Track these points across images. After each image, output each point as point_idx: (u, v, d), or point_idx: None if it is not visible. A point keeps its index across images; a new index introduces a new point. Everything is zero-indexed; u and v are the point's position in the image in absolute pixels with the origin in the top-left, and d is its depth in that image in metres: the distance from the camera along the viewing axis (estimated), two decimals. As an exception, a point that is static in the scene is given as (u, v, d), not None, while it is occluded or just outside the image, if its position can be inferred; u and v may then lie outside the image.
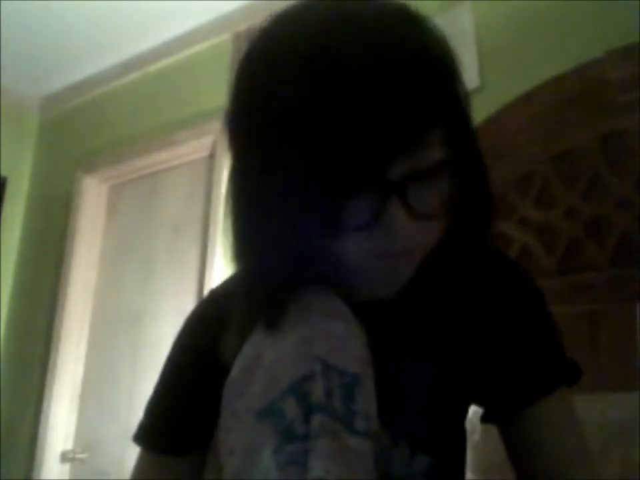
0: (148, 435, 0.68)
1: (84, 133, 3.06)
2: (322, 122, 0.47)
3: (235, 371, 0.53)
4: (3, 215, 3.06)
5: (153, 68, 2.83)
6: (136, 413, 0.71)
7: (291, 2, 0.54)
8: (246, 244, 0.56)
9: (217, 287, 0.73)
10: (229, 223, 0.56)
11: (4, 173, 3.09)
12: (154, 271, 2.66)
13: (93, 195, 2.96)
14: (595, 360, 1.41)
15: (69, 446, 2.72)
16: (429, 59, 0.50)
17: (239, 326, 0.56)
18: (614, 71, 1.47)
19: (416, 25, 0.52)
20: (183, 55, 2.71)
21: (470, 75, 1.78)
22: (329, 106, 0.47)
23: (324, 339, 0.50)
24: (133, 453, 0.70)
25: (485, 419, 0.67)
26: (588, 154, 1.54)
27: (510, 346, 0.63)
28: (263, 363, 0.51)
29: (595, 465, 0.62)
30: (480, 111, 1.72)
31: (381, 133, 0.47)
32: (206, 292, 0.79)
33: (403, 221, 0.50)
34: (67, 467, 2.71)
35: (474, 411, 0.85)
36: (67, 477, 2.70)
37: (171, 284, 2.56)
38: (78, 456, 2.67)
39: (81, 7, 2.49)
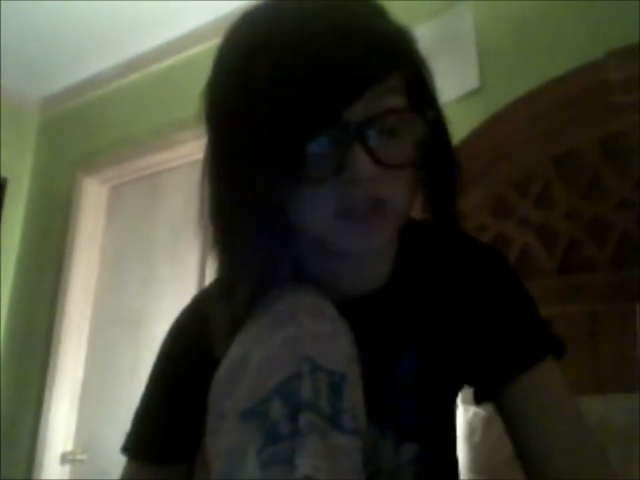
0: (134, 444, 0.68)
1: (84, 133, 3.06)
2: (281, 72, 0.50)
3: (222, 371, 0.53)
4: (3, 215, 3.06)
5: (153, 68, 2.83)
6: (131, 421, 0.70)
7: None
8: (220, 223, 0.57)
9: (199, 292, 0.73)
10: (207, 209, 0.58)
11: (4, 174, 3.09)
12: (154, 271, 2.66)
13: (93, 196, 2.96)
14: (594, 360, 1.41)
15: (69, 447, 2.72)
16: (383, 21, 0.55)
17: (223, 327, 0.56)
18: (614, 72, 1.47)
19: (373, 7, 0.56)
20: (184, 56, 2.71)
21: (470, 76, 1.78)
22: (287, 58, 0.50)
23: (311, 339, 0.51)
24: (125, 461, 0.69)
25: (477, 399, 0.67)
26: (588, 155, 1.54)
27: (490, 324, 0.64)
28: (250, 363, 0.51)
29: (589, 431, 0.62)
30: (480, 112, 1.74)
31: (335, 76, 0.49)
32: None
33: (366, 166, 0.51)
34: (67, 468, 2.71)
35: (474, 412, 0.86)
36: (67, 478, 2.70)
37: (171, 284, 2.56)
38: (78, 457, 2.67)
39: (81, 7, 2.49)
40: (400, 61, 0.54)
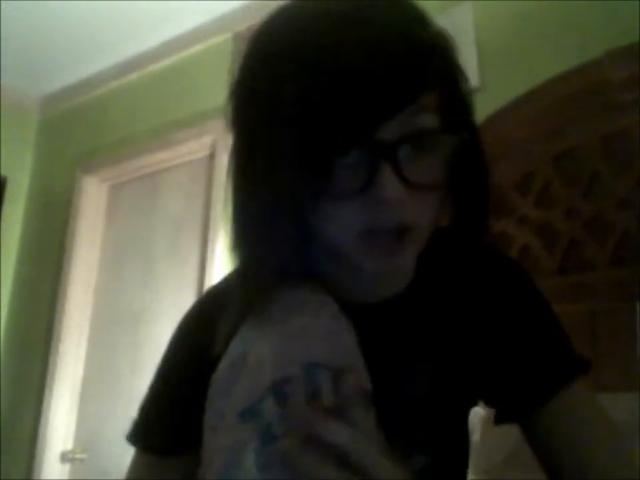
0: (142, 434, 0.68)
1: (84, 132, 3.06)
2: (314, 86, 0.48)
3: (221, 368, 0.53)
4: (2, 214, 3.06)
5: (153, 68, 2.82)
6: (136, 413, 0.71)
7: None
8: (241, 224, 0.56)
9: (214, 285, 0.72)
10: (230, 208, 0.56)
11: (4, 173, 3.09)
12: (154, 270, 2.66)
13: (93, 195, 2.95)
14: (594, 360, 1.40)
15: (69, 446, 2.72)
16: (421, 33, 0.51)
17: (232, 317, 0.56)
18: (614, 71, 1.47)
19: (410, 9, 0.54)
20: (183, 55, 2.71)
21: (470, 75, 1.77)
22: (321, 72, 0.48)
23: (307, 338, 0.50)
24: (133, 453, 0.70)
25: (499, 419, 0.66)
26: (588, 154, 1.54)
27: (518, 344, 0.63)
28: (248, 362, 0.51)
29: (627, 448, 0.61)
30: (480, 111, 1.72)
31: (370, 93, 0.47)
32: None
33: (394, 187, 0.49)
34: (66, 467, 2.71)
35: (473, 411, 0.84)
36: (67, 477, 2.70)
37: (171, 283, 2.56)
38: (78, 456, 2.67)
39: (81, 7, 2.49)
40: (439, 79, 0.52)
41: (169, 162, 2.72)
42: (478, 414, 1.33)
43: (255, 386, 0.49)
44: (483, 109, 1.67)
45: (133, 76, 2.89)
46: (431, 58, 0.50)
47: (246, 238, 0.55)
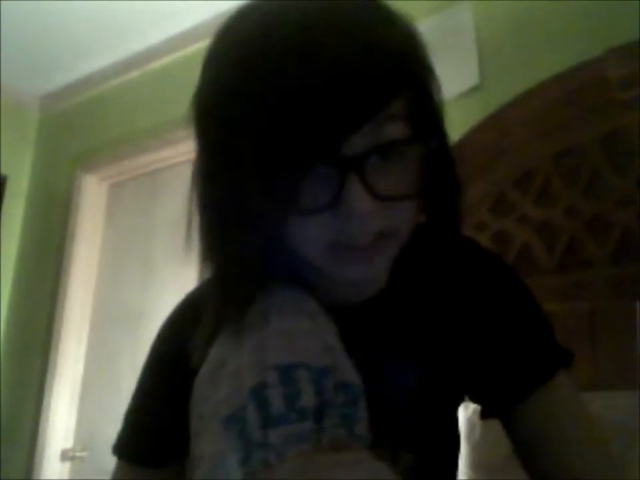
0: (125, 445, 0.67)
1: (84, 131, 3.06)
2: (277, 98, 0.46)
3: (202, 374, 0.53)
4: (2, 213, 3.06)
5: (152, 66, 2.82)
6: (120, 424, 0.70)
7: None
8: (210, 234, 0.54)
9: (192, 290, 0.71)
10: (198, 219, 0.54)
11: (4, 172, 3.08)
12: (154, 269, 2.66)
13: (92, 193, 2.95)
14: (594, 358, 1.41)
15: (69, 444, 2.72)
16: (388, 38, 0.49)
17: (208, 328, 0.55)
18: (614, 69, 1.47)
19: (378, 13, 0.51)
20: (183, 53, 2.71)
21: (470, 74, 1.78)
22: (283, 82, 0.46)
23: (285, 339, 0.49)
24: (116, 462, 0.69)
25: (484, 414, 0.66)
26: (588, 152, 1.54)
27: (500, 338, 0.62)
28: (228, 368, 0.50)
29: (607, 446, 0.61)
30: (480, 109, 1.74)
31: (335, 105, 0.45)
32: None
33: (362, 200, 0.47)
34: (67, 465, 2.71)
35: (474, 409, 0.85)
36: (67, 476, 2.71)
37: (171, 283, 2.56)
38: (78, 454, 2.68)
39: (80, 5, 2.49)
40: (408, 86, 0.49)
41: (170, 160, 2.71)
42: (478, 412, 1.33)
43: (235, 391, 0.48)
44: (483, 106, 1.67)
45: (133, 74, 2.89)
46: (404, 62, 0.48)
47: (216, 248, 0.54)
